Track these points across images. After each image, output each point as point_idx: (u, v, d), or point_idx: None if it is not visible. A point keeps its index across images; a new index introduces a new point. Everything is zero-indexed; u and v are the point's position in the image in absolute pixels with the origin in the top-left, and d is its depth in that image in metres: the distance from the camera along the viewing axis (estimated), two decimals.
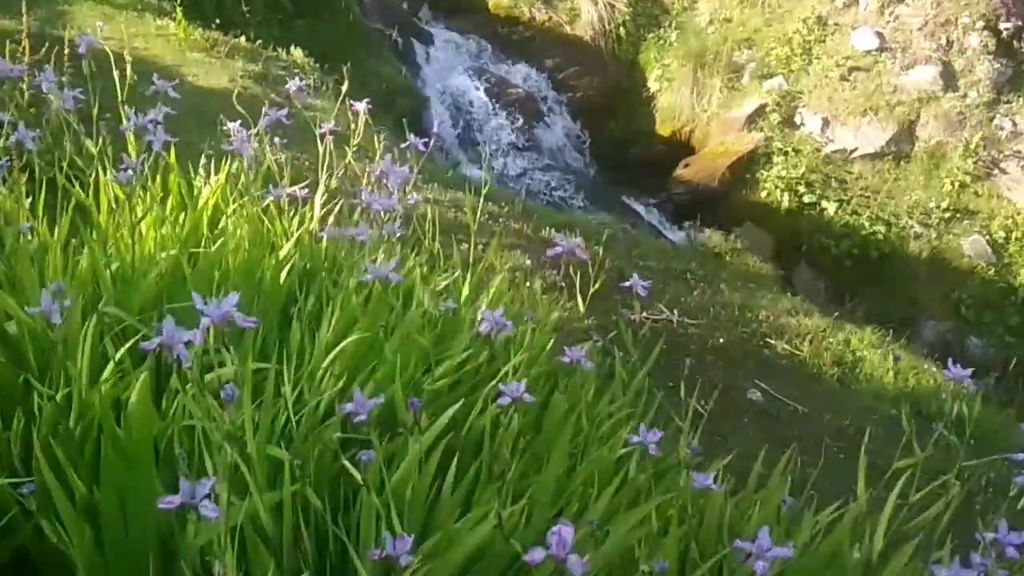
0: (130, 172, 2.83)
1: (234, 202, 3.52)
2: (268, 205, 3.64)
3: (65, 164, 3.22)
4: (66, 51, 5.09)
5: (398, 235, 3.19)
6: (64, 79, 5.08)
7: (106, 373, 2.31)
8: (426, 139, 3.40)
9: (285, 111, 3.34)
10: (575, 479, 2.60)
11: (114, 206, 3.21)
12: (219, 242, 3.13)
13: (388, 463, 2.09)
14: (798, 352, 5.54)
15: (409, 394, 2.63)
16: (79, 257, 2.87)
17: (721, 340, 5.30)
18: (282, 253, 3.28)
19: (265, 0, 10.33)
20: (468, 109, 10.63)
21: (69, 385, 2.27)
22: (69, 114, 3.25)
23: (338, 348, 2.57)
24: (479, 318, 3.55)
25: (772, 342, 5.54)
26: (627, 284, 3.23)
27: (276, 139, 3.70)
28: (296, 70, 7.77)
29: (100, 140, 3.27)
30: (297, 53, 8.15)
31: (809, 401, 5.06)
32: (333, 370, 2.60)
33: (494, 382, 2.56)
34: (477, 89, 10.77)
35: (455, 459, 2.33)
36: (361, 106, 3.79)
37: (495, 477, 2.36)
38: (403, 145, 3.39)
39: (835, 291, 9.87)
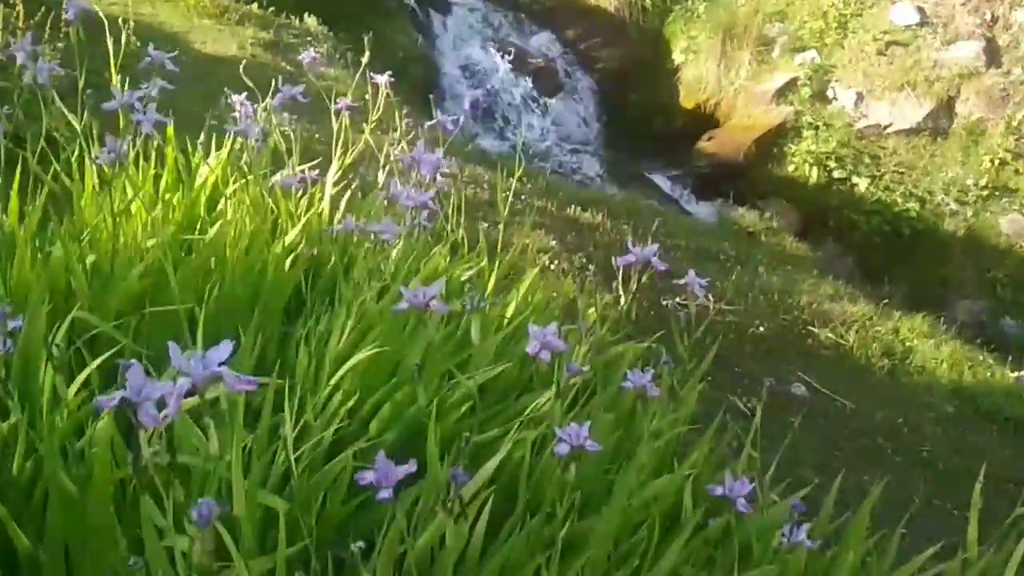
0: (112, 154, 2.38)
1: (235, 182, 3.10)
2: (273, 186, 3.22)
3: (41, 141, 2.79)
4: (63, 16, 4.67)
5: (426, 226, 2.77)
6: (59, 46, 4.68)
7: (69, 394, 1.89)
8: (455, 116, 2.96)
9: (300, 88, 2.90)
10: (632, 516, 2.18)
11: (97, 189, 2.78)
12: (214, 229, 2.70)
13: (410, 520, 1.68)
14: (843, 341, 5.10)
15: (429, 414, 2.21)
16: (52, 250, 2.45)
17: (761, 328, 4.86)
18: (288, 239, 2.86)
19: None
20: (486, 80, 10.14)
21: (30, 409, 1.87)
22: (46, 88, 2.82)
23: (350, 363, 2.15)
24: (507, 313, 3.14)
25: (815, 330, 5.10)
26: (682, 281, 2.82)
27: (286, 114, 3.28)
28: (309, 38, 7.32)
29: (83, 115, 2.84)
30: (311, 20, 7.69)
31: (858, 396, 4.62)
32: (344, 386, 2.19)
33: (529, 410, 2.15)
34: (495, 59, 10.27)
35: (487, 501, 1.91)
36: (382, 79, 3.36)
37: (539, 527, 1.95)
38: (428, 124, 2.95)
39: (864, 269, 9.40)
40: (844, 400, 4.51)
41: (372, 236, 2.43)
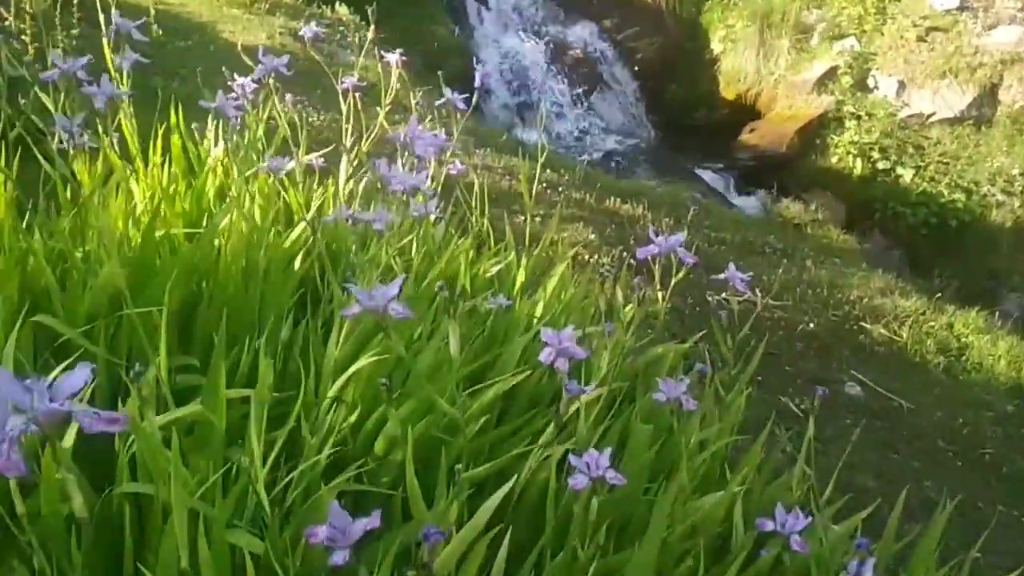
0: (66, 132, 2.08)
1: (239, 171, 2.79)
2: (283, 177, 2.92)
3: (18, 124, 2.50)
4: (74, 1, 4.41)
5: (435, 216, 2.44)
6: (72, 33, 4.41)
7: None
8: (466, 94, 2.63)
9: (285, 60, 2.58)
10: (674, 545, 1.85)
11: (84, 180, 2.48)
12: (209, 222, 2.40)
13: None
14: (897, 338, 4.70)
15: (439, 429, 1.89)
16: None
17: (811, 325, 4.49)
18: (294, 234, 2.54)
19: None
20: (523, 71, 9.79)
21: None
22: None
23: (351, 370, 1.82)
24: (536, 312, 2.81)
25: (867, 326, 4.71)
26: (722, 276, 2.48)
27: (289, 95, 2.98)
28: (341, 27, 7.02)
29: (64, 98, 2.54)
30: (342, 10, 7.39)
31: (914, 395, 4.24)
32: (346, 397, 1.87)
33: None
34: (533, 50, 9.92)
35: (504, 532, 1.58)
36: (393, 57, 3.05)
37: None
38: (439, 102, 2.62)
39: (910, 262, 8.95)
40: (900, 400, 4.13)
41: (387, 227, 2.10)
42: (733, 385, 2.56)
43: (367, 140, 2.95)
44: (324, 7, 7.47)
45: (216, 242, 2.36)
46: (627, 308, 2.96)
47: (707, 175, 9.47)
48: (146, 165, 2.89)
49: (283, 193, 2.81)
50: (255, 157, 2.94)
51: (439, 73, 3.32)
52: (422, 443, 1.83)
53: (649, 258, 2.74)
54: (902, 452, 3.79)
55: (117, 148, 2.81)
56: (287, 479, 1.60)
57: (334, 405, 1.83)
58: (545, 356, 1.62)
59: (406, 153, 2.20)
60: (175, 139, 3.08)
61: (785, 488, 2.55)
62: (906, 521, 2.51)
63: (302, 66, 6.12)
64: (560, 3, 10.80)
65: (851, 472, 3.47)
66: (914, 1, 10.05)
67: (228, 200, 2.70)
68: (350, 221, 2.06)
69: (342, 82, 2.80)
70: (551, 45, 9.98)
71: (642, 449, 2.04)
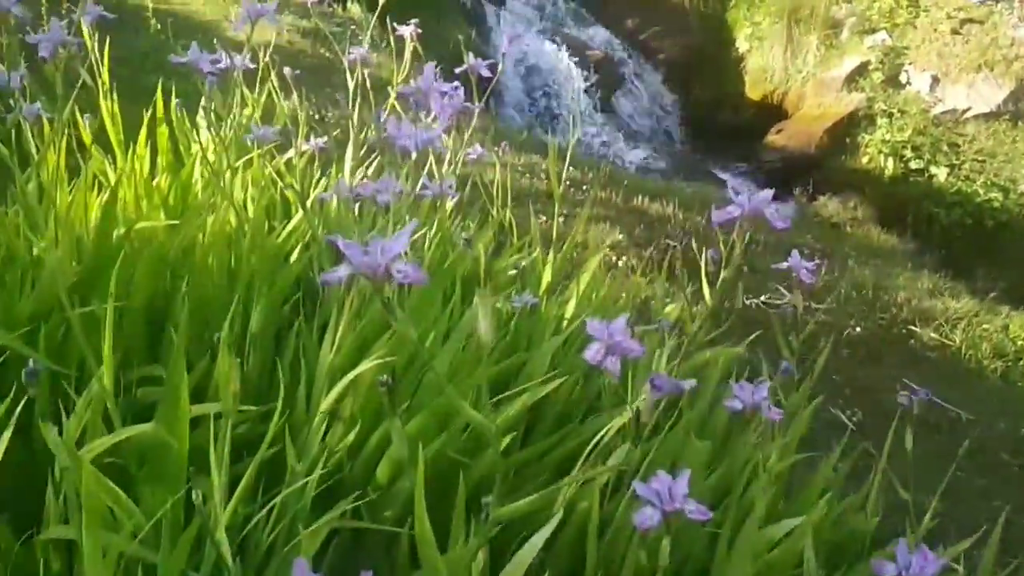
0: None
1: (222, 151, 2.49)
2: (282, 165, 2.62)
3: None
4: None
5: (452, 197, 2.13)
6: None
7: None
8: (492, 61, 2.31)
9: (274, 4, 2.27)
10: None
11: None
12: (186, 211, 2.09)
13: None
14: (949, 342, 4.34)
15: (457, 449, 1.56)
16: None
17: (857, 329, 4.14)
18: (290, 226, 2.23)
19: None
20: (542, 73, 9.47)
21: None
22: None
23: (348, 377, 1.50)
24: (566, 313, 2.49)
25: (917, 330, 4.36)
26: (784, 265, 2.16)
27: (288, 68, 2.68)
28: (353, 27, 6.73)
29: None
30: (355, 9, 7.11)
31: (972, 404, 3.88)
32: (343, 412, 1.55)
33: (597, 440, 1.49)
34: (552, 51, 9.59)
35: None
36: (407, 30, 2.77)
37: None
38: (459, 69, 2.30)
39: (945, 263, 8.55)
40: (958, 410, 3.78)
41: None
42: (793, 393, 2.24)
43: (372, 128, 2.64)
44: (335, 6, 7.19)
45: (200, 236, 2.06)
46: (667, 308, 2.64)
47: (730, 177, 9.12)
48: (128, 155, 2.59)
49: (280, 182, 2.51)
50: (249, 144, 2.64)
51: (455, 72, 3.02)
52: (436, 467, 1.51)
53: (679, 260, 2.41)
54: (965, 468, 3.44)
55: (89, 132, 2.52)
56: (265, 513, 1.29)
57: (328, 421, 1.52)
58: (592, 353, 1.29)
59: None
60: (162, 130, 2.80)
61: (856, 512, 2.23)
62: (981, 545, 2.18)
63: (311, 62, 5.85)
64: (580, 3, 10.48)
65: (914, 491, 3.14)
66: None
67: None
68: (354, 202, 1.74)
69: (349, 53, 2.50)
70: (571, 46, 9.65)
71: (700, 471, 1.72)
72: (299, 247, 2.23)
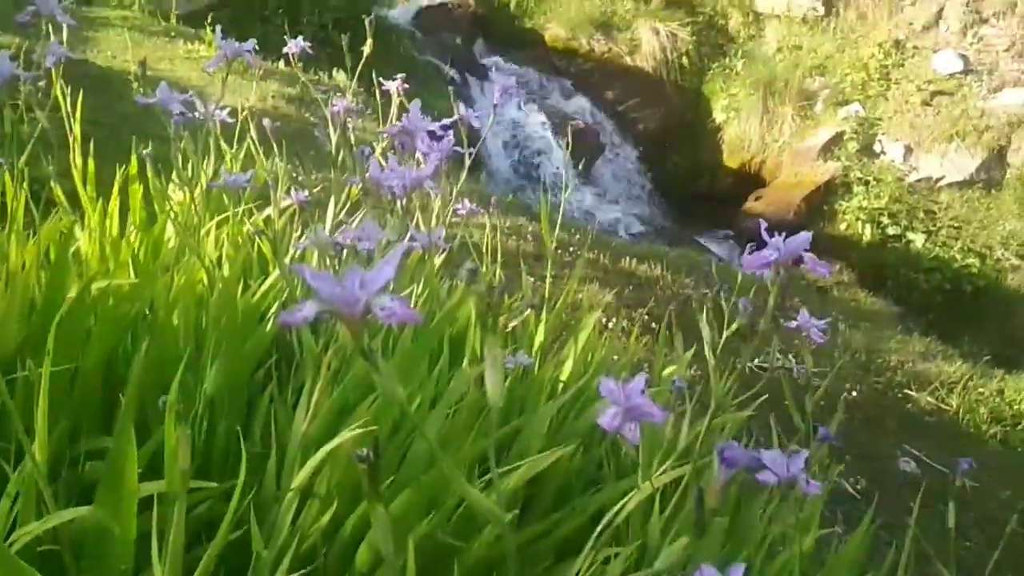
0: None
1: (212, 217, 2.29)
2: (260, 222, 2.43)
3: None
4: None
5: (443, 250, 1.93)
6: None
7: None
8: (479, 113, 2.13)
9: (250, 44, 2.08)
10: None
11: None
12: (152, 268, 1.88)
13: None
14: (946, 407, 4.15)
15: (447, 531, 1.34)
16: None
17: (854, 393, 3.94)
18: (267, 284, 2.02)
19: (314, 33, 9.29)
20: (525, 142, 9.37)
21: None
22: None
23: (324, 450, 1.28)
24: (562, 375, 2.28)
25: (913, 394, 4.16)
26: (793, 325, 1.97)
27: (267, 120, 2.50)
28: (338, 93, 6.59)
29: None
30: (340, 76, 6.99)
31: (974, 471, 3.66)
32: (319, 489, 1.32)
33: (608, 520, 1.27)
34: (534, 122, 9.51)
35: None
36: (394, 85, 2.60)
37: None
38: (447, 122, 2.11)
39: (930, 327, 8.40)
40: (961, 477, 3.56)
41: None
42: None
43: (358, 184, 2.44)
44: (321, 73, 7.07)
45: (165, 294, 1.84)
46: (665, 371, 2.44)
47: (713, 244, 8.99)
48: (100, 213, 2.38)
49: (257, 240, 2.30)
50: (226, 199, 2.45)
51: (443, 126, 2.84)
52: (425, 552, 1.28)
53: (674, 320, 2.25)
54: (974, 539, 3.22)
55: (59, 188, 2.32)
56: None
57: (301, 499, 1.29)
58: (608, 419, 1.08)
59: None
60: (135, 187, 2.60)
61: None
62: None
63: (296, 127, 5.68)
64: (562, 75, 10.44)
65: (924, 566, 2.92)
66: (917, 66, 9.69)
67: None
68: (335, 252, 1.54)
69: (333, 105, 2.31)
70: (553, 116, 9.57)
71: (714, 550, 1.49)
72: (276, 306, 2.02)
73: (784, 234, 1.24)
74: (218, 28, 1.93)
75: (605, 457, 1.79)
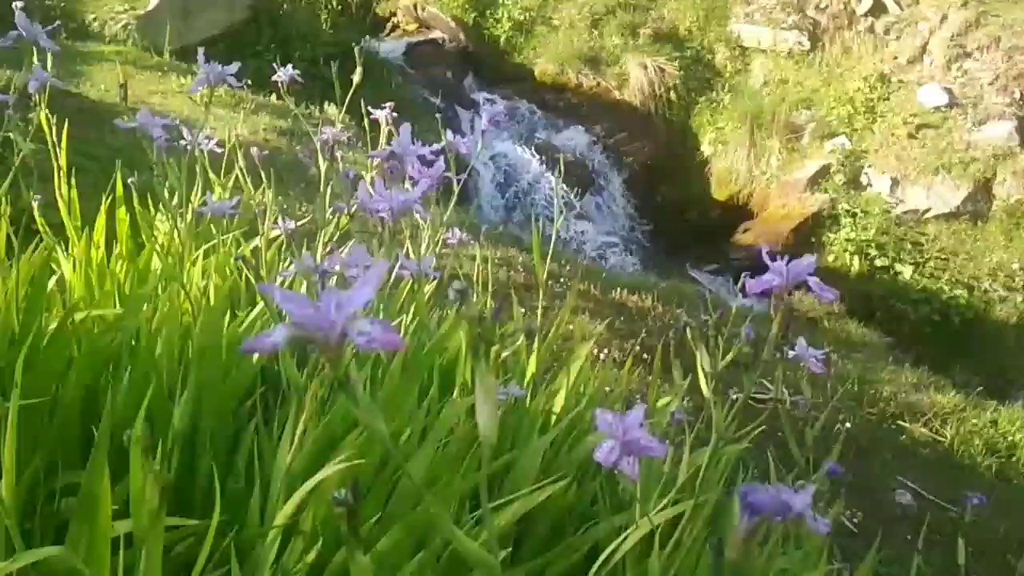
0: None
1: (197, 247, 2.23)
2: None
3: None
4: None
5: (433, 279, 1.88)
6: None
7: None
8: (466, 140, 2.09)
9: (234, 67, 2.02)
10: None
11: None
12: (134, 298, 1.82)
13: None
14: (940, 438, 4.09)
15: (435, 572, 1.27)
16: None
17: (847, 424, 3.88)
18: (252, 315, 1.96)
19: (305, 68, 9.28)
20: (516, 175, 9.35)
21: None
22: None
23: (308, 484, 1.21)
24: (555, 407, 2.22)
25: (907, 425, 4.11)
26: (792, 353, 1.92)
27: (255, 149, 2.46)
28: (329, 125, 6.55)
29: None
30: (331, 110, 6.96)
31: (971, 504, 3.60)
32: (304, 526, 1.25)
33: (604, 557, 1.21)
34: (525, 154, 9.50)
35: None
36: (383, 113, 2.56)
37: None
38: (437, 147, 2.07)
39: (916, 360, 8.36)
40: (957, 509, 3.50)
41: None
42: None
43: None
44: (312, 107, 7.04)
45: (147, 324, 1.78)
46: (660, 403, 2.38)
47: (703, 276, 8.97)
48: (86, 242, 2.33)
49: (244, 268, 2.25)
50: (212, 229, 2.40)
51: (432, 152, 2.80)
52: None
53: (670, 350, 2.19)
54: (973, 572, 3.14)
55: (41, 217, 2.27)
56: None
57: (285, 536, 1.23)
58: (605, 454, 1.02)
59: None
60: (121, 216, 2.54)
61: None
62: None
63: (286, 160, 5.63)
64: (551, 109, 10.44)
65: None
66: (903, 99, 9.73)
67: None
68: (320, 280, 1.48)
69: (321, 133, 2.26)
70: (543, 149, 9.57)
71: None
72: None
73: (787, 258, 1.19)
74: (200, 51, 1.88)
75: (600, 492, 1.73)
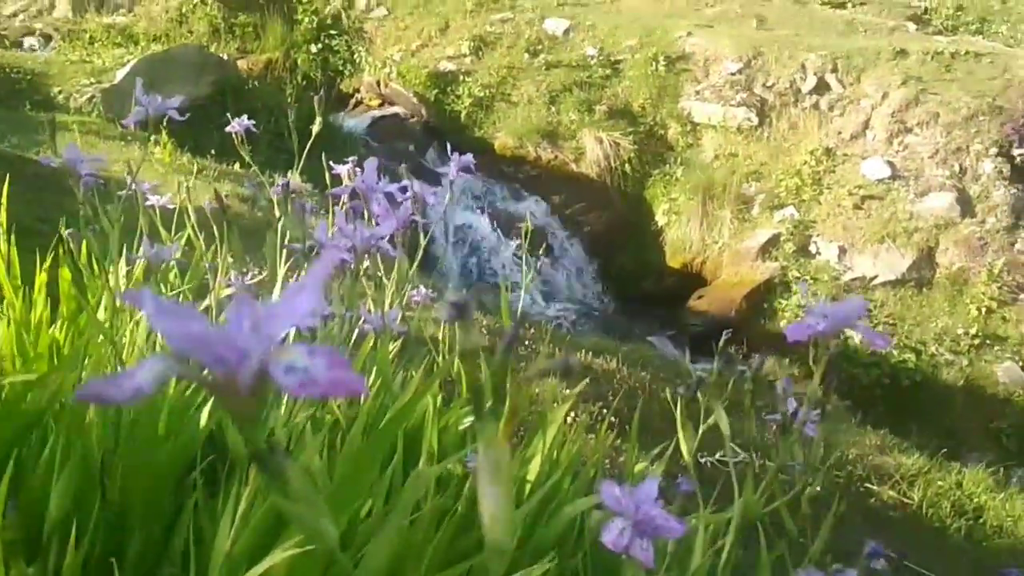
0: None
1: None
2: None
3: None
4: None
5: (401, 332, 1.67)
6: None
7: None
8: (435, 190, 1.90)
9: (176, 101, 1.83)
10: None
11: None
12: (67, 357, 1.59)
13: None
14: (908, 500, 3.91)
15: None
16: None
17: (817, 488, 3.68)
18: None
19: (269, 141, 9.13)
20: (476, 244, 9.20)
21: None
22: None
23: (257, 571, 0.98)
24: (529, 474, 2.00)
25: (874, 488, 3.92)
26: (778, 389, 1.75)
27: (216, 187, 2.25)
28: (293, 195, 6.35)
29: None
30: (295, 178, 6.75)
31: (944, 567, 3.41)
32: None
33: None
34: (484, 224, 9.37)
35: None
36: (344, 168, 2.39)
37: None
38: (405, 196, 1.87)
39: (873, 423, 8.23)
40: (930, 574, 3.30)
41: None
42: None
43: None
44: (276, 176, 6.85)
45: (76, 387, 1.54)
46: (638, 467, 2.18)
47: (660, 341, 8.80)
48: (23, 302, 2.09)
49: None
50: (162, 287, 2.17)
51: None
52: None
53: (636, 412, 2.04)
54: None
55: None
56: None
57: None
58: (614, 536, 0.81)
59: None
60: (64, 275, 2.31)
61: None
62: None
63: (247, 225, 5.41)
64: (511, 180, 10.35)
65: None
66: (848, 172, 9.76)
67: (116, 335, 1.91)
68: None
69: (277, 185, 2.07)
70: (502, 218, 9.44)
71: None
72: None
73: (827, 300, 1.00)
74: (138, 81, 1.68)
75: (582, 570, 1.51)
